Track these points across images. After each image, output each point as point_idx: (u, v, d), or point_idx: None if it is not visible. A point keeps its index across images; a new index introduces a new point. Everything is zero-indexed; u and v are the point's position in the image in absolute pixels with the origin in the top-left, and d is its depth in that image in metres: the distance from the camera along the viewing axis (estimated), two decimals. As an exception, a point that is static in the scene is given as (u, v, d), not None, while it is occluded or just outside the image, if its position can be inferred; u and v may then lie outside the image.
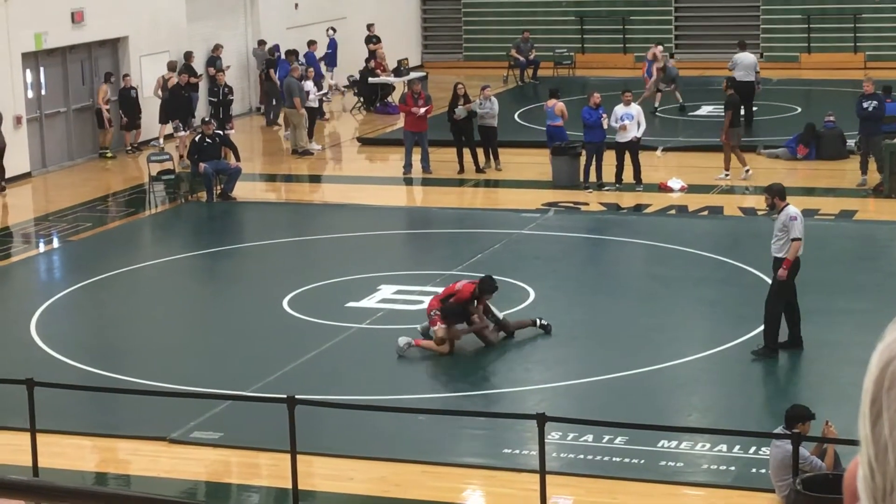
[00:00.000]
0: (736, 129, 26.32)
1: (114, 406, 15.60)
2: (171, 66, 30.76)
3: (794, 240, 16.40)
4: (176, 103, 29.65)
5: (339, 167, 29.72)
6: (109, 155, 30.01)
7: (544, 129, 30.08)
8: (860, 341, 16.85)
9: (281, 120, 32.86)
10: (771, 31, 40.39)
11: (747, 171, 26.11)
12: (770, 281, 16.90)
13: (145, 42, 31.26)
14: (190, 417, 15.08)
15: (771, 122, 31.15)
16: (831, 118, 27.83)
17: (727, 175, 26.10)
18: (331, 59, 36.56)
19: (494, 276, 17.69)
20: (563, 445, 14.15)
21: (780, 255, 16.48)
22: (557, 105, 26.69)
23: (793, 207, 16.68)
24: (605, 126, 25.51)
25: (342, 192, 26.91)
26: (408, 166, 27.65)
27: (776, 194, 16.77)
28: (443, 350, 17.02)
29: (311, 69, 32.61)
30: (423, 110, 27.58)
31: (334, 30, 36.31)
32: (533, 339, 17.71)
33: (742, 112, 30.34)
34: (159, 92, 30.40)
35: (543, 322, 17.53)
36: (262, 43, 34.49)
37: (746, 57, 30.67)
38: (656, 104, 32.36)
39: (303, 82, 30.51)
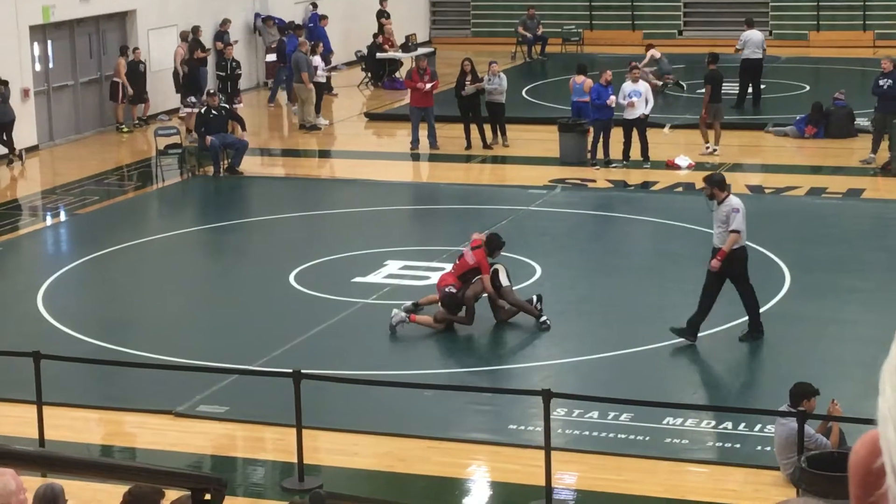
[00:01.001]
0: (715, 105, 26.38)
1: (120, 379, 15.63)
2: (184, 37, 30.76)
3: (731, 231, 16.05)
4: (191, 78, 29.77)
5: (346, 142, 29.69)
6: (125, 129, 29.99)
7: (551, 105, 30.10)
8: (867, 320, 16.89)
9: (279, 97, 32.89)
10: (780, 9, 40.26)
11: (709, 147, 26.23)
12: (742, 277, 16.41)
13: (153, 15, 31.22)
14: (196, 391, 15.12)
15: (779, 101, 31.08)
16: (841, 96, 27.75)
17: (709, 148, 26.17)
18: (311, 33, 36.52)
19: (503, 253, 17.64)
20: (569, 422, 14.16)
21: (720, 246, 16.20)
22: (587, 81, 26.61)
23: (735, 199, 16.33)
24: (612, 104, 25.47)
25: (349, 167, 26.89)
26: (415, 142, 27.64)
27: (715, 185, 16.34)
28: (438, 327, 17.04)
29: (321, 44, 32.54)
30: (428, 86, 27.54)
31: (315, 5, 36.18)
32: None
33: (749, 89, 30.39)
34: (178, 64, 30.44)
35: (546, 322, 17.18)
36: (269, 19, 34.35)
37: (755, 34, 30.63)
38: (663, 82, 32.34)
39: (311, 57, 30.47)
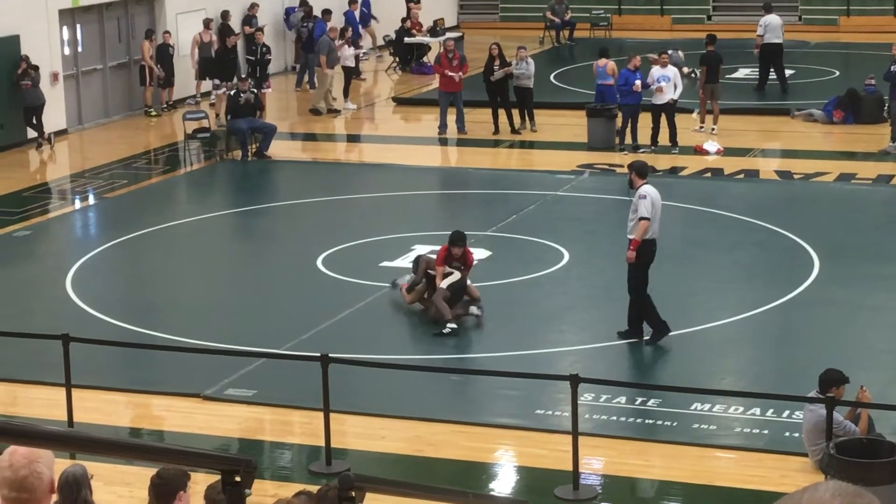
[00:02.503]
0: (711, 86, 26.63)
1: (148, 362, 15.69)
2: (206, 23, 30.76)
3: (640, 219, 15.63)
4: (222, 63, 29.78)
5: (374, 127, 29.69)
6: (153, 113, 30.04)
7: (579, 90, 30.04)
8: (896, 306, 16.82)
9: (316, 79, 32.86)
10: (810, -7, 40.06)
11: (701, 127, 26.62)
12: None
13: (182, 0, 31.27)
14: (224, 374, 15.15)
15: (809, 86, 30.93)
16: (872, 82, 27.60)
17: (702, 128, 26.55)
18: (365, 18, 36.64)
19: (531, 238, 17.65)
20: (596, 407, 14.15)
21: (632, 237, 15.80)
22: (609, 64, 26.56)
23: (648, 187, 15.81)
24: (638, 90, 25.35)
25: (377, 151, 26.89)
26: (443, 126, 27.61)
27: (634, 170, 15.97)
28: (409, 300, 17.29)
29: (350, 28, 32.51)
30: (457, 77, 27.43)
31: None
32: (566, 301, 17.71)
33: (773, 73, 30.36)
34: (196, 51, 30.41)
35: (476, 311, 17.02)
36: (303, 3, 34.29)
37: (774, 19, 30.69)
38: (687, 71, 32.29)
39: (338, 42, 30.47)
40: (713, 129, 26.46)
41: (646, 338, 15.96)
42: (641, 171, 15.99)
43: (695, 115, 27.84)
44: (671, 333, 16.03)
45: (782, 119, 28.15)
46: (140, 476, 12.03)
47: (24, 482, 4.58)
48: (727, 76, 31.68)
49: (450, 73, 27.46)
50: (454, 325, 16.50)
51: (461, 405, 14.48)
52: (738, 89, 30.65)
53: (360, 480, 3.90)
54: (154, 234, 21.17)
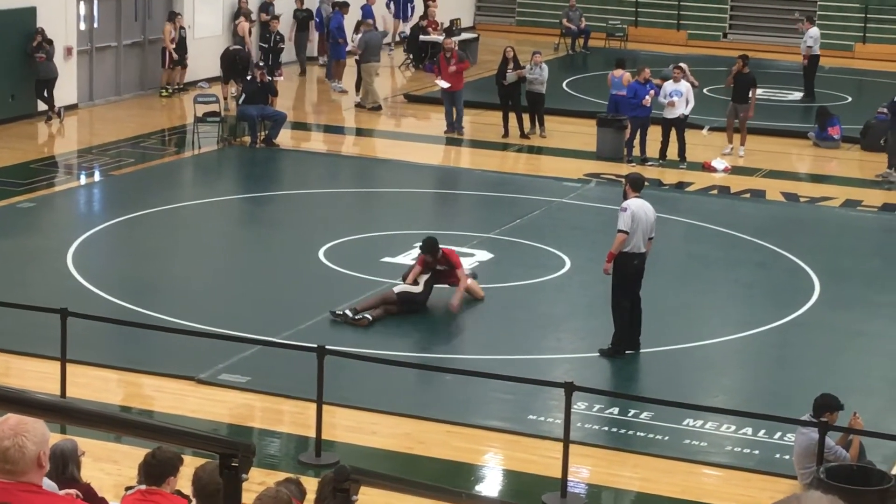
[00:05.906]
0: (738, 106, 26.44)
1: (144, 342, 15.68)
2: (247, 14, 30.81)
3: (617, 232, 15.56)
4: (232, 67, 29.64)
5: (384, 122, 29.67)
6: (164, 94, 29.99)
7: (591, 99, 30.02)
8: (895, 334, 16.81)
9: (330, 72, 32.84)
10: (827, 18, 39.98)
11: (730, 149, 26.39)
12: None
13: (200, -18, 31.26)
14: (219, 359, 15.16)
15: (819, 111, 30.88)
16: (884, 111, 27.56)
17: (730, 150, 26.34)
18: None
19: (534, 243, 17.64)
20: (589, 416, 14.15)
21: (623, 251, 15.67)
22: (625, 75, 26.54)
23: (634, 200, 15.66)
24: (647, 104, 25.32)
25: (386, 147, 26.88)
26: (449, 126, 27.62)
27: (629, 182, 15.96)
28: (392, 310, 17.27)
29: (368, 21, 32.46)
30: (444, 84, 27.38)
31: None
32: (566, 308, 17.71)
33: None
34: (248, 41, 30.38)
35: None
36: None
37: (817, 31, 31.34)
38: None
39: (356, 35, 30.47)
40: (740, 152, 26.30)
41: (602, 348, 15.93)
42: (636, 184, 15.96)
43: (705, 131, 27.81)
44: (668, 347, 16.03)
45: (793, 141, 28.12)
46: (128, 455, 12.05)
47: (6, 453, 4.65)
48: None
49: (438, 82, 27.50)
50: (349, 314, 16.50)
51: (454, 405, 14.47)
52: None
53: (357, 473, 3.90)
54: (158, 214, 21.17)
